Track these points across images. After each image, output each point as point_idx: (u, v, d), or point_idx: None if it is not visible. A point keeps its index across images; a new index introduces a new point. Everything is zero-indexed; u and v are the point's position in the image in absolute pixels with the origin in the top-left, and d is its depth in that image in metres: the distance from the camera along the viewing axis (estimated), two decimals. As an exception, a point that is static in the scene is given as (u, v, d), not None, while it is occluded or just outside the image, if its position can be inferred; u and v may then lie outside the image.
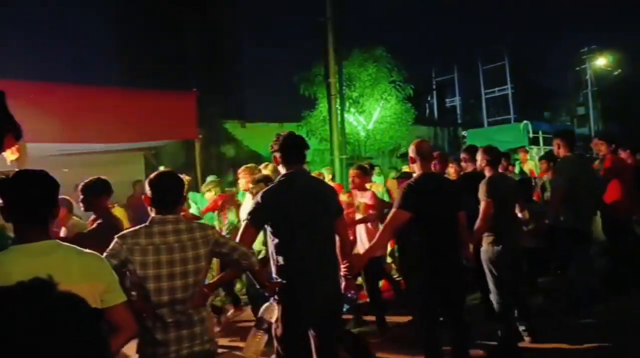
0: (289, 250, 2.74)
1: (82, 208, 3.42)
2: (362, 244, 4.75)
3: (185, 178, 5.17)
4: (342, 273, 3.03)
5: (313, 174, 4.81)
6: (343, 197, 4.81)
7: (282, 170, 2.88)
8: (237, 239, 2.64)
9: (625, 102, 28.53)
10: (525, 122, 14.41)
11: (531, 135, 13.90)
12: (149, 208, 2.32)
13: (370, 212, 4.88)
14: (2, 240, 2.04)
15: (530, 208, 4.83)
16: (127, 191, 8.22)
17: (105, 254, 2.09)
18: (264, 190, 2.93)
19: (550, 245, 5.78)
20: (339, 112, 10.55)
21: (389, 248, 5.77)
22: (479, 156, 4.33)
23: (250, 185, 4.23)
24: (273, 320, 2.77)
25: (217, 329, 4.63)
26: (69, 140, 7.14)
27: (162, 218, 2.25)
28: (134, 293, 2.21)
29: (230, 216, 5.41)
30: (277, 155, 2.85)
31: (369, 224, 4.88)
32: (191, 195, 6.57)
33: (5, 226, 2.06)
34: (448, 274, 3.25)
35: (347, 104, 14.23)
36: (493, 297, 4.08)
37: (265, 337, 2.81)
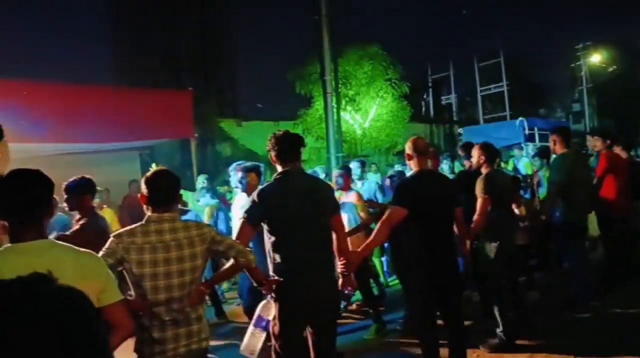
0: (285, 248, 2.74)
1: (67, 208, 3.39)
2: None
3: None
4: (339, 271, 3.03)
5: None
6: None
7: (278, 168, 2.88)
8: (234, 237, 2.63)
9: (619, 98, 28.66)
10: (520, 119, 14.43)
11: (527, 132, 13.92)
12: (145, 206, 2.31)
13: (362, 215, 4.89)
14: None
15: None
16: (123, 191, 8.19)
17: (101, 253, 2.09)
18: (260, 188, 2.92)
19: (543, 242, 5.82)
20: (335, 110, 10.55)
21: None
22: (475, 153, 4.34)
23: (240, 174, 4.19)
24: (270, 317, 2.77)
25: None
26: (62, 140, 7.12)
27: (159, 217, 2.25)
28: (130, 292, 2.20)
29: None
30: (273, 153, 2.85)
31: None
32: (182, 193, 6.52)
33: None
34: (446, 272, 3.25)
35: (343, 102, 14.22)
36: (490, 294, 4.09)
37: (263, 335, 2.80)
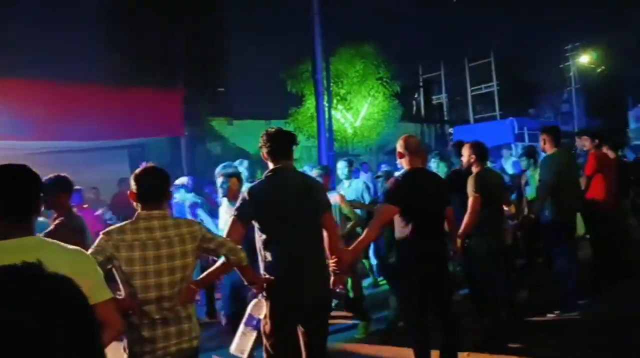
0: (276, 246, 2.73)
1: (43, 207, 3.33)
2: None
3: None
4: (330, 269, 3.02)
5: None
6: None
7: (269, 165, 2.87)
8: (224, 235, 2.62)
9: (607, 99, 28.98)
10: (510, 118, 14.55)
11: (516, 131, 14.04)
12: (134, 204, 2.29)
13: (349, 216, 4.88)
14: None
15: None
16: (112, 189, 8.12)
17: (90, 251, 2.06)
18: (250, 185, 2.91)
19: (532, 241, 5.86)
20: (326, 108, 10.54)
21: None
22: (465, 152, 4.35)
23: (221, 179, 4.16)
24: (261, 316, 2.76)
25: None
26: (50, 137, 7.04)
27: (148, 214, 2.23)
28: (120, 290, 2.18)
29: None
30: (265, 150, 2.83)
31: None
32: None
33: None
34: (439, 270, 3.27)
35: (335, 101, 14.23)
36: (481, 291, 4.11)
37: (254, 334, 2.79)
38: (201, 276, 2.47)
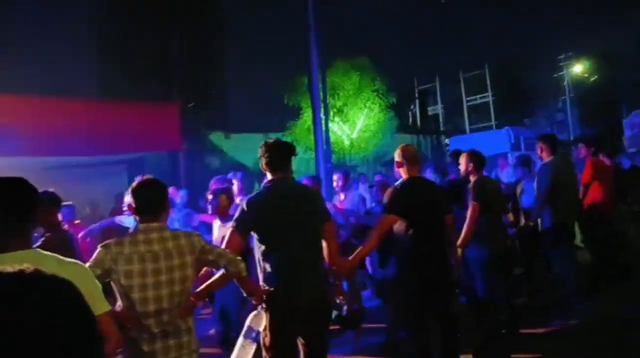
0: (275, 257, 2.71)
1: None
2: None
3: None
4: (330, 280, 3.01)
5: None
6: None
7: (268, 176, 2.87)
8: (223, 246, 2.60)
9: (601, 107, 29.20)
10: (506, 128, 14.63)
11: (513, 141, 14.11)
12: (133, 217, 2.28)
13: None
14: None
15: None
16: (110, 204, 8.09)
17: (88, 264, 2.05)
18: (249, 196, 2.90)
19: (532, 246, 5.86)
20: (323, 121, 10.58)
21: None
22: (463, 160, 4.37)
23: (210, 196, 4.15)
24: (261, 328, 2.73)
25: None
26: (47, 153, 7.04)
27: (147, 227, 2.21)
28: (118, 303, 2.16)
29: None
30: (264, 161, 2.84)
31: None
32: None
33: None
34: (439, 274, 3.26)
35: (332, 113, 14.30)
36: (481, 298, 4.10)
37: (254, 346, 2.76)
38: (200, 288, 2.44)
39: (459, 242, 3.88)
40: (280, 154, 2.84)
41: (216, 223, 4.24)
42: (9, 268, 0.65)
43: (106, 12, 16.11)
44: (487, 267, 4.01)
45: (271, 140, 2.90)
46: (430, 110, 32.75)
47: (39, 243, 3.10)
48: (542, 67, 31.07)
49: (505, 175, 9.35)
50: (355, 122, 16.11)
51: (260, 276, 2.76)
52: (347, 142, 16.20)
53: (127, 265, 2.11)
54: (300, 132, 15.05)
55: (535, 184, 5.13)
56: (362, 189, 8.54)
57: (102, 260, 2.11)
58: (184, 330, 2.21)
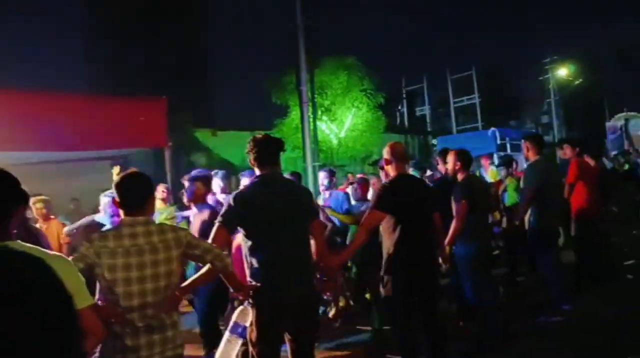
0: (262, 252, 2.69)
1: None
2: None
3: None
4: (318, 276, 3.00)
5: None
6: None
7: (256, 171, 2.84)
8: (209, 241, 2.57)
9: (585, 110, 29.69)
10: (493, 129, 14.77)
11: (499, 141, 14.25)
12: (120, 212, 2.24)
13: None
14: None
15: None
16: (94, 201, 7.98)
17: (72, 258, 2.01)
18: (236, 191, 2.88)
19: (516, 245, 5.94)
20: (311, 119, 10.56)
21: None
22: (450, 159, 4.39)
23: (187, 183, 4.09)
24: (247, 323, 2.71)
25: None
26: (30, 148, 6.89)
27: (132, 220, 2.18)
28: (102, 298, 2.12)
29: None
30: (252, 156, 2.81)
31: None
32: None
33: None
34: (425, 274, 3.27)
35: (319, 112, 14.28)
36: (468, 296, 4.12)
37: (239, 342, 2.74)
38: (185, 283, 2.41)
39: (446, 239, 3.90)
40: (268, 149, 2.82)
41: (192, 213, 4.17)
42: None
43: (97, 14, 15.90)
44: (474, 266, 4.03)
45: (260, 136, 2.88)
46: (418, 111, 32.96)
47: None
48: (527, 70, 31.54)
49: (489, 175, 9.45)
50: (344, 121, 16.11)
51: (247, 271, 2.74)
52: (335, 141, 16.19)
53: (111, 259, 2.08)
54: (288, 130, 14.99)
55: (522, 184, 5.18)
56: (350, 188, 8.53)
57: (86, 254, 2.07)
58: (169, 325, 2.18)
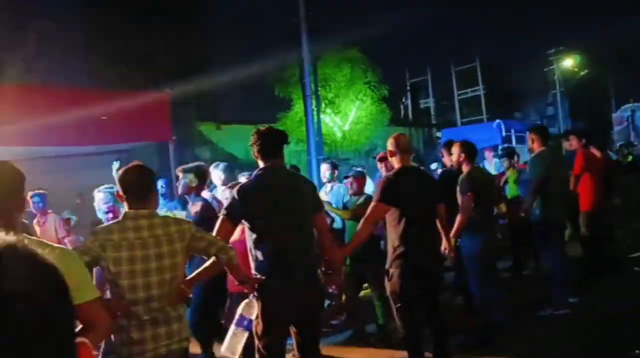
0: (267, 245, 2.69)
1: None
2: None
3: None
4: (322, 269, 2.99)
5: None
6: None
7: (260, 164, 2.83)
8: (214, 234, 2.57)
9: (590, 101, 29.45)
10: (498, 121, 14.68)
11: (504, 133, 14.17)
12: (124, 204, 2.24)
13: None
14: None
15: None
16: (99, 195, 7.99)
17: (76, 250, 2.01)
18: (240, 184, 2.87)
19: (521, 238, 5.91)
20: (314, 112, 10.53)
21: None
22: (455, 151, 4.36)
23: (180, 174, 4.09)
24: (253, 317, 2.71)
25: None
26: (33, 143, 6.90)
27: (136, 213, 2.17)
28: (108, 291, 2.12)
29: None
30: (255, 148, 2.80)
31: None
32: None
33: None
34: (429, 266, 3.26)
35: (323, 105, 14.23)
36: (472, 289, 4.11)
37: (245, 335, 2.74)
38: (191, 275, 2.41)
39: (452, 232, 3.88)
40: (272, 142, 2.81)
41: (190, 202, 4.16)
42: None
43: (97, 8, 15.84)
44: (479, 259, 4.02)
45: (263, 128, 2.86)
46: (422, 103, 32.81)
47: None
48: (532, 62, 31.24)
49: (493, 167, 9.42)
50: (347, 114, 16.06)
51: (252, 264, 2.74)
52: (339, 134, 16.16)
53: (115, 252, 2.08)
54: (292, 123, 14.96)
55: (527, 175, 5.15)
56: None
57: (90, 247, 2.07)
58: (174, 318, 2.18)
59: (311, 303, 2.78)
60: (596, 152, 6.08)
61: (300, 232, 2.78)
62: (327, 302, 4.80)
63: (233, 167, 5.28)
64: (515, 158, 6.85)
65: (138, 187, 2.21)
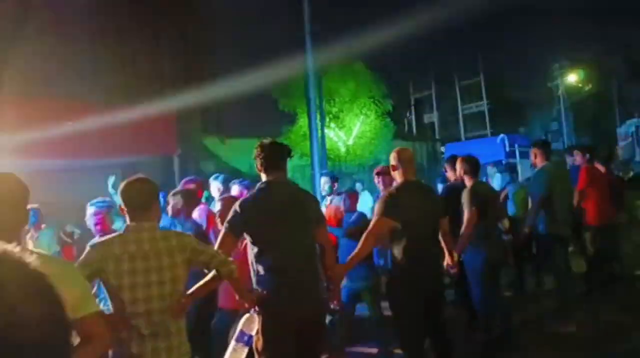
0: (268, 259, 2.68)
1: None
2: None
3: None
4: (324, 283, 2.97)
5: None
6: None
7: (263, 177, 2.84)
8: (216, 247, 2.56)
9: (595, 116, 29.42)
10: (502, 135, 14.67)
11: (508, 148, 14.14)
12: (127, 218, 2.24)
13: None
14: None
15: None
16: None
17: (77, 263, 2.01)
18: (243, 198, 2.87)
19: (526, 249, 5.87)
20: (319, 127, 10.56)
21: None
22: (458, 165, 4.36)
23: (171, 200, 4.09)
24: (253, 332, 2.68)
25: None
26: (40, 156, 6.96)
27: (138, 226, 2.18)
28: (108, 304, 2.11)
29: None
30: (259, 162, 2.81)
31: None
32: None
33: None
34: (432, 281, 3.23)
35: (327, 119, 14.29)
36: (476, 304, 4.07)
37: (245, 350, 2.71)
38: (191, 290, 2.40)
39: (457, 247, 3.85)
40: (275, 155, 2.81)
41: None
42: None
43: (101, 22, 16.06)
44: (482, 274, 3.98)
45: (267, 141, 2.87)
46: (426, 118, 32.86)
47: None
48: (537, 76, 31.29)
49: (495, 182, 9.39)
50: (352, 129, 16.11)
51: (253, 278, 2.72)
52: (343, 149, 16.20)
53: (116, 265, 2.07)
54: (296, 137, 15.01)
55: (530, 190, 5.13)
56: (366, 198, 8.45)
57: (91, 260, 2.07)
58: (174, 332, 2.17)
59: (313, 318, 2.75)
60: (600, 168, 6.06)
61: (302, 247, 2.77)
62: (329, 317, 4.74)
63: (232, 179, 5.25)
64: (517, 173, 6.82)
65: (139, 200, 2.22)
